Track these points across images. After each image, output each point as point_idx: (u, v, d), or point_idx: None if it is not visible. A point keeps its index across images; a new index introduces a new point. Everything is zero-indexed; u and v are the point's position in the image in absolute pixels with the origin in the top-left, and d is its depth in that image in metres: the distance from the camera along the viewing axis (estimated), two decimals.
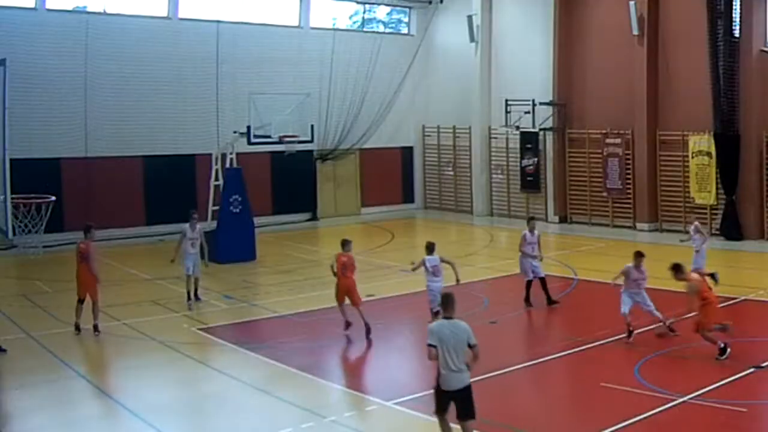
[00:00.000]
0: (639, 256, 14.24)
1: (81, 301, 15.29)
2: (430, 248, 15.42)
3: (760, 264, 21.37)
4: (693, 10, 24.78)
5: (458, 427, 9.19)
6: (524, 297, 17.01)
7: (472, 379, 9.13)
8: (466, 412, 9.10)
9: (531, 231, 17.19)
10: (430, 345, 9.03)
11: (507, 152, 31.34)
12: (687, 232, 25.67)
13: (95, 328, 15.18)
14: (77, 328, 15.21)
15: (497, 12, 31.44)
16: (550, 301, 16.83)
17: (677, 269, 13.12)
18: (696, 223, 19.19)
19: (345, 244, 15.31)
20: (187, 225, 18.11)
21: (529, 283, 17.01)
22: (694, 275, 13.22)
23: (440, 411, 9.25)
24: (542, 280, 17.04)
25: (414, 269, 15.53)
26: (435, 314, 14.31)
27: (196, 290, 17.93)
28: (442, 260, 15.38)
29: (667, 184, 26.42)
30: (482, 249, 25.45)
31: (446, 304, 9.29)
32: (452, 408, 9.12)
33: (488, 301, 17.42)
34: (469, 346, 9.07)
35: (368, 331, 14.75)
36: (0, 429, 10.51)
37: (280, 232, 28.23)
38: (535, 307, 17.09)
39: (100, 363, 13.93)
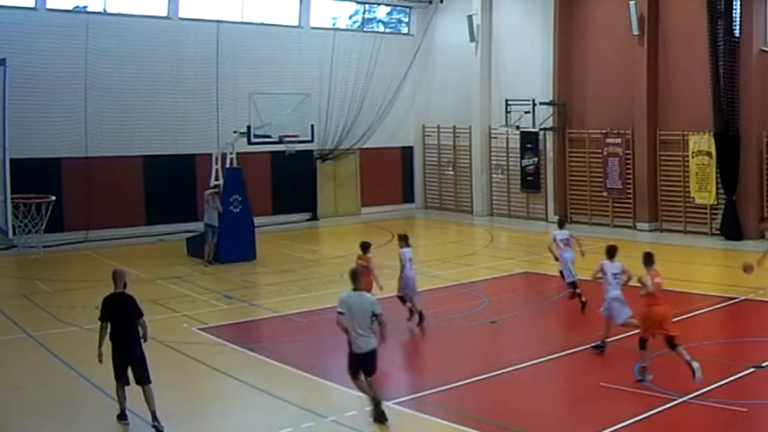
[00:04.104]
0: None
1: None
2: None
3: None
4: (693, 9, 24.78)
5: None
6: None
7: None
8: (370, 371, 10.44)
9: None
10: (339, 312, 10.41)
11: (507, 152, 31.34)
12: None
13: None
14: None
15: (497, 12, 31.42)
16: None
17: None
18: None
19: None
20: (556, 232, 17.15)
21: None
22: None
23: (353, 373, 10.52)
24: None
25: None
26: None
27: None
28: None
29: (667, 184, 26.40)
30: (482, 249, 25.44)
31: (354, 278, 10.61)
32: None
33: (488, 301, 17.41)
34: (374, 315, 10.26)
35: None
36: None
37: (280, 232, 28.22)
38: (535, 306, 17.07)
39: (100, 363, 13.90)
